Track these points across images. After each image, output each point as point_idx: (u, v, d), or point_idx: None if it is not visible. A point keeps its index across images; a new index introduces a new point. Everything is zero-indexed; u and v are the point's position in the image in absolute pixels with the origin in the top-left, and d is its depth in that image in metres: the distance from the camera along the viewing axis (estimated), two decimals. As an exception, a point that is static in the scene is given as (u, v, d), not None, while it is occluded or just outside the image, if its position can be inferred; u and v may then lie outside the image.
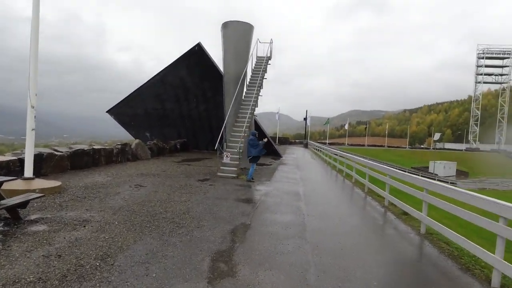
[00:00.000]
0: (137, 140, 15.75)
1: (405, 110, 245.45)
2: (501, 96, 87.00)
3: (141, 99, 23.07)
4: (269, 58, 16.92)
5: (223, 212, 6.27)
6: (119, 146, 13.42)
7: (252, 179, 10.37)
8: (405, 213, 6.92)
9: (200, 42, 19.22)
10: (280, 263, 3.98)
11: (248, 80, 15.25)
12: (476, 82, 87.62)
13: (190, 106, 22.82)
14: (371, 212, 7.43)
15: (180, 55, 19.93)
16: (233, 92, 13.54)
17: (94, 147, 12.08)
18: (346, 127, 69.83)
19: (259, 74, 15.19)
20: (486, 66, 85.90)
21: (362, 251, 4.67)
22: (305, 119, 46.34)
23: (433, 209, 5.86)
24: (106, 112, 24.53)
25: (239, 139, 11.35)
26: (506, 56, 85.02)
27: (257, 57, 16.88)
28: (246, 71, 14.71)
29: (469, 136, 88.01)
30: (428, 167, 55.28)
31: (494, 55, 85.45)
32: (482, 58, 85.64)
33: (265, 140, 11.07)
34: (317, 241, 4.92)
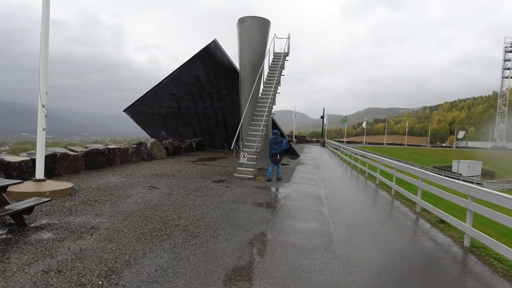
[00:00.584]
0: (153, 140, 15.53)
1: (425, 107, 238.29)
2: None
3: (157, 98, 22.97)
4: (287, 54, 16.34)
5: (240, 218, 5.78)
6: (134, 146, 13.20)
7: (281, 178, 10.45)
8: (442, 221, 6.22)
9: (215, 38, 18.83)
10: (308, 285, 3.44)
11: (265, 77, 14.72)
12: (503, 77, 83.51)
13: (206, 105, 22.51)
14: (401, 219, 6.76)
15: (196, 52, 19.65)
16: (250, 89, 13.04)
17: (109, 146, 11.88)
18: (364, 125, 68.08)
19: (276, 70, 14.64)
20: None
21: (401, 268, 4.07)
22: (322, 117, 45.32)
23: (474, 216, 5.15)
24: (123, 111, 24.64)
25: (256, 138, 10.85)
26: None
27: (274, 53, 16.31)
28: (263, 67, 14.19)
29: (495, 134, 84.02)
30: (451, 167, 53.09)
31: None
32: (510, 51, 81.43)
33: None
34: (346, 255, 4.35)
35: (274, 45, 16.24)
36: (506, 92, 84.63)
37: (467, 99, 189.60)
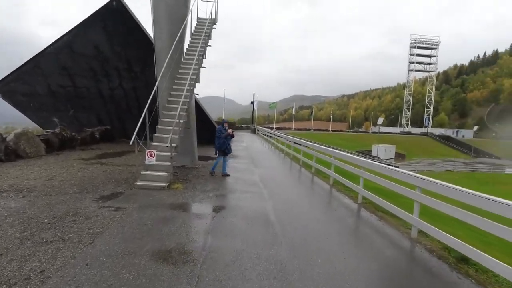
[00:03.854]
0: (20, 129, 10.72)
1: (343, 96, 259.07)
2: (429, 83, 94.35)
3: (41, 73, 17.23)
4: (214, 21, 12.95)
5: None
6: (-24, 140, 8.47)
7: (227, 173, 8.98)
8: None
9: (119, -6, 14.27)
10: None
11: (186, 47, 11.19)
12: (408, 70, 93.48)
13: (112, 84, 17.72)
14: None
15: (92, 12, 14.77)
16: (168, 64, 9.49)
17: None
18: (293, 111, 68.62)
19: (200, 38, 11.17)
20: (418, 55, 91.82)
21: None
22: (252, 102, 43.16)
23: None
24: (-9, 89, 18.05)
25: (170, 128, 7.43)
26: (433, 46, 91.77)
27: (198, 19, 12.78)
28: (183, 35, 10.65)
29: (402, 120, 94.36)
30: (371, 151, 56.95)
31: (424, 45, 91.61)
32: (414, 47, 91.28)
33: (230, 131, 9.18)
34: None
35: (198, 9, 12.74)
36: (411, 83, 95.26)
37: (377, 89, 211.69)
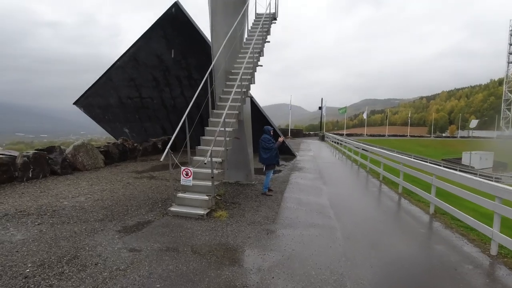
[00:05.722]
0: (79, 141, 10.61)
1: (421, 97, 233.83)
2: (537, 77, 78.08)
3: (113, 86, 17.97)
4: (274, 16, 11.42)
5: None
6: (30, 154, 8.27)
7: (270, 190, 7.60)
8: None
9: (177, 0, 13.82)
10: None
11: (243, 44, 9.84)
12: (508, 62, 78.93)
13: (174, 93, 17.56)
14: None
15: (153, 22, 14.66)
16: (224, 68, 8.30)
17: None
18: (365, 115, 63.19)
19: (255, 33, 9.68)
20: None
21: None
22: (320, 108, 40.48)
23: None
24: (73, 104, 19.56)
25: (213, 138, 5.97)
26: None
27: (257, 14, 11.38)
28: (242, 33, 9.40)
29: (501, 122, 79.76)
30: (460, 159, 48.71)
31: (529, 31, 76.33)
32: (516, 35, 76.69)
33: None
34: None
35: (256, 4, 11.36)
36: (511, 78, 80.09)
37: (464, 88, 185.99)
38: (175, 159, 5.32)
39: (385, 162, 9.99)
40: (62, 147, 9.71)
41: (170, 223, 4.95)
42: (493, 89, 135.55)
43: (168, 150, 5.32)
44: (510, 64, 79.03)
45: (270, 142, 7.35)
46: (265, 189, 7.50)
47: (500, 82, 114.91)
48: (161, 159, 5.27)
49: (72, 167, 9.72)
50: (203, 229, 4.75)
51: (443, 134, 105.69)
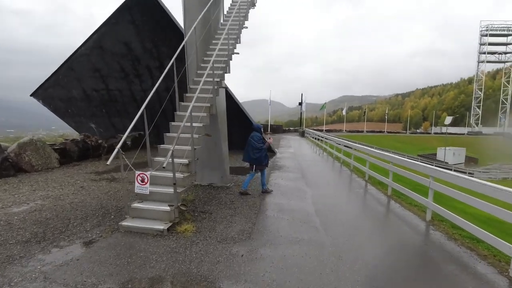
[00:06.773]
0: (26, 138, 9.18)
1: (397, 95, 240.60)
2: (504, 76, 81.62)
3: (75, 76, 16.30)
4: (253, 2, 10.45)
5: None
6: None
7: (267, 189, 7.19)
8: None
9: (146, -18, 12.47)
10: None
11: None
12: (478, 62, 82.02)
13: (144, 85, 16.14)
14: None
15: (119, 5, 13.21)
16: (199, 57, 7.23)
17: None
18: (344, 112, 63.52)
19: (230, 17, 8.64)
20: (490, 44, 79.96)
21: None
22: (300, 103, 39.94)
23: None
24: (30, 95, 17.65)
25: (176, 134, 4.93)
26: (510, 33, 79.25)
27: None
28: (217, 17, 8.37)
29: (471, 119, 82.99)
30: (435, 154, 49.96)
31: (498, 32, 79.55)
32: (486, 35, 79.74)
33: (270, 141, 7.55)
34: None
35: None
36: (481, 77, 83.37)
37: (436, 86, 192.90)
38: (126, 160, 4.24)
39: (372, 161, 9.31)
40: (3, 144, 8.28)
41: (119, 244, 3.89)
42: (463, 87, 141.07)
43: (119, 149, 4.23)
44: (480, 64, 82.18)
45: (261, 141, 6.82)
46: (264, 187, 7.25)
47: (470, 80, 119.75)
48: (108, 163, 4.17)
49: (15, 168, 8.32)
50: (161, 251, 3.73)
51: (418, 130, 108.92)
